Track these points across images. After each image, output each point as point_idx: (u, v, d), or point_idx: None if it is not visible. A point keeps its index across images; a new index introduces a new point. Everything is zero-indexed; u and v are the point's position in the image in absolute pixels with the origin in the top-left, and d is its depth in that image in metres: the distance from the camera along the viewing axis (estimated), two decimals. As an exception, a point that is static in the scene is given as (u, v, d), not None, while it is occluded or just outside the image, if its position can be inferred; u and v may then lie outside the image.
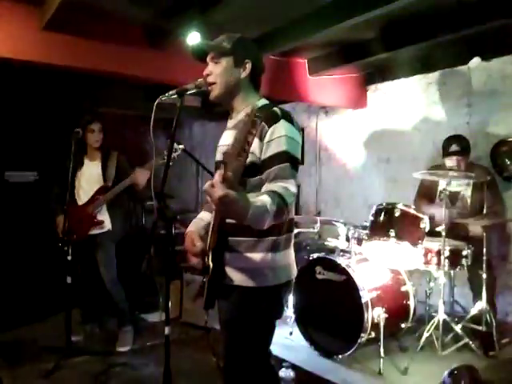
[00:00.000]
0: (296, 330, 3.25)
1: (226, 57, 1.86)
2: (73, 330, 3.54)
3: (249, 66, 1.87)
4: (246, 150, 1.51)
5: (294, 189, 1.70)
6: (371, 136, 4.94)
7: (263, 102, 1.92)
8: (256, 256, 1.79)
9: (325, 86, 4.57)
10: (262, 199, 1.60)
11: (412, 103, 4.55)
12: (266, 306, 1.83)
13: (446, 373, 2.32)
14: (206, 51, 1.91)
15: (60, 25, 3.06)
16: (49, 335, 3.85)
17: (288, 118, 1.79)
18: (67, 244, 3.59)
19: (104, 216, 3.75)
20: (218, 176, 1.56)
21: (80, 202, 3.75)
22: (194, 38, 3.41)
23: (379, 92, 4.84)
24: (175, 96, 1.94)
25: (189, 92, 1.94)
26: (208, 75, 1.90)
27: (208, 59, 1.92)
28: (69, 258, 3.46)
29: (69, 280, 3.43)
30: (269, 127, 1.72)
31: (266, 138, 1.72)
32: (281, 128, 1.73)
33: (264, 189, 1.70)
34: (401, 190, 4.52)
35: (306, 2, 3.21)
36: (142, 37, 3.50)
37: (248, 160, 1.55)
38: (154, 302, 4.75)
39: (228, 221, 1.74)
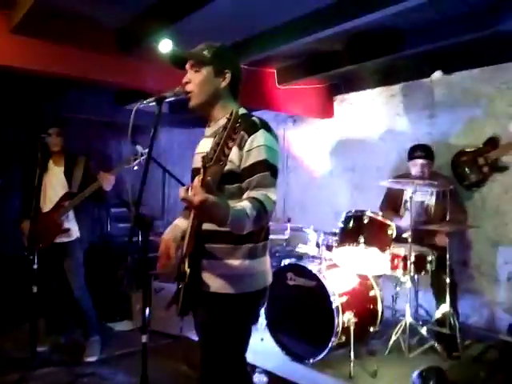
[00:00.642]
0: (267, 336, 3.28)
1: (206, 66, 1.88)
2: (38, 341, 3.46)
3: (228, 75, 1.90)
4: (226, 154, 1.54)
5: (274, 197, 1.74)
6: (337, 145, 5.06)
7: (242, 111, 1.94)
8: (234, 263, 1.81)
9: (293, 96, 4.65)
10: (242, 204, 1.63)
11: (377, 114, 4.70)
12: (244, 313, 1.86)
13: (414, 374, 2.41)
14: (185, 59, 1.93)
15: (29, 28, 3.01)
16: (13, 346, 3.73)
17: (267, 127, 1.83)
18: (33, 252, 3.52)
19: (71, 223, 3.68)
20: (197, 181, 1.58)
21: (45, 209, 3.66)
22: (165, 45, 3.43)
23: (345, 102, 4.98)
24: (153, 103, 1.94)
25: (167, 99, 1.95)
26: (187, 83, 1.91)
27: (187, 67, 1.93)
28: (35, 266, 3.37)
29: (34, 289, 3.34)
30: (248, 136, 1.75)
31: (246, 147, 1.75)
32: (260, 137, 1.77)
33: (245, 196, 1.73)
34: (366, 197, 4.64)
35: (277, 15, 3.28)
36: (113, 42, 3.47)
37: (226, 168, 1.57)
38: (121, 311, 4.68)
39: (205, 227, 1.75)
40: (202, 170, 1.56)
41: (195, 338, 3.35)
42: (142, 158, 3.50)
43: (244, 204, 1.64)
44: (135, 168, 3.55)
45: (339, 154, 5.04)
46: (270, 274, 1.96)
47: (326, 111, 5.02)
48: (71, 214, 3.67)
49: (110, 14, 3.19)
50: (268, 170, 1.77)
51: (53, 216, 3.61)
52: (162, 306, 4.42)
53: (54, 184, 3.69)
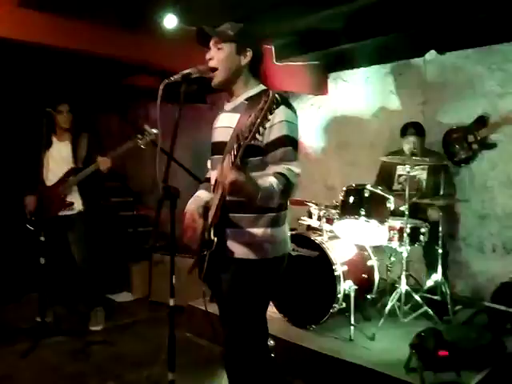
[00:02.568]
0: (270, 304, 3.43)
1: (229, 43, 1.97)
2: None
3: (249, 53, 2.00)
4: (261, 133, 1.66)
5: (297, 170, 1.87)
6: (331, 122, 5.18)
7: (262, 87, 2.05)
8: (257, 231, 1.94)
9: (288, 72, 4.71)
10: (269, 180, 1.77)
11: (370, 91, 4.82)
12: (265, 277, 2.00)
13: (414, 334, 2.61)
14: (209, 36, 2.01)
15: (36, 2, 3.00)
16: (20, 317, 3.82)
17: (287, 103, 1.95)
18: (36, 225, 3.58)
19: (75, 197, 3.74)
20: (227, 160, 1.70)
21: (48, 183, 3.72)
22: (170, 21, 3.47)
23: (340, 80, 5.07)
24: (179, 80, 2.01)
25: (192, 76, 2.02)
26: (210, 59, 2.00)
27: (211, 44, 2.01)
28: (42, 238, 3.45)
29: (42, 261, 3.44)
30: (272, 114, 1.85)
31: (268, 123, 1.86)
32: (281, 113, 1.88)
33: (270, 170, 1.85)
34: (358, 173, 4.78)
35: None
36: (119, 17, 3.47)
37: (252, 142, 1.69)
38: (120, 283, 4.80)
39: (229, 198, 1.87)
40: (235, 147, 1.68)
41: (199, 306, 3.51)
42: (150, 138, 3.56)
43: (271, 179, 1.77)
44: (143, 147, 3.63)
45: (333, 131, 5.16)
46: (289, 242, 2.11)
47: (321, 88, 5.11)
48: (75, 188, 3.73)
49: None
50: (290, 144, 1.90)
51: (57, 190, 3.67)
52: (162, 277, 4.56)
53: (58, 159, 3.74)
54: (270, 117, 1.63)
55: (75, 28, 3.31)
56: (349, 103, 5.00)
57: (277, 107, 1.80)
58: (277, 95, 1.89)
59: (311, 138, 5.32)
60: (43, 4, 3.05)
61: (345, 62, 4.88)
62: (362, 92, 4.87)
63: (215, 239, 1.91)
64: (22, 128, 4.78)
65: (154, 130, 3.51)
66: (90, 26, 3.39)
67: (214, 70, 1.99)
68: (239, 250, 1.94)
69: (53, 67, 4.50)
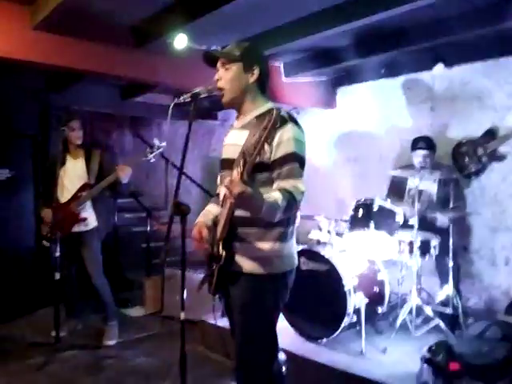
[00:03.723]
0: (281, 318, 3.45)
1: (236, 63, 2.04)
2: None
3: (256, 71, 2.05)
4: (266, 150, 1.72)
5: (303, 187, 1.91)
6: (340, 136, 5.23)
7: (270, 105, 2.10)
8: (265, 245, 1.98)
9: (297, 88, 4.80)
10: (274, 196, 1.81)
11: (379, 105, 4.86)
12: (273, 292, 2.03)
13: (425, 348, 2.60)
14: (216, 57, 2.08)
15: (51, 25, 3.12)
16: (35, 331, 3.89)
17: (294, 121, 2.00)
18: (51, 241, 3.66)
19: (89, 213, 3.81)
20: (236, 173, 1.76)
21: (63, 200, 3.80)
22: (181, 41, 3.56)
23: (348, 94, 5.14)
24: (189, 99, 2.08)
25: (201, 96, 2.09)
26: (218, 80, 2.07)
27: (218, 65, 2.08)
28: (57, 254, 3.52)
29: (57, 276, 3.49)
30: (276, 131, 1.90)
31: (276, 141, 1.90)
32: (289, 131, 1.93)
33: (276, 186, 1.90)
34: (368, 187, 4.80)
35: (288, 13, 3.42)
36: (130, 38, 3.58)
37: (257, 159, 1.74)
38: (131, 298, 4.86)
39: (238, 213, 1.91)
40: (241, 163, 1.73)
41: (211, 321, 3.55)
42: (159, 150, 3.65)
43: (276, 195, 1.81)
44: (152, 161, 3.71)
45: (342, 145, 5.20)
46: (296, 256, 2.14)
47: (330, 102, 5.18)
48: (88, 203, 3.80)
49: (128, 11, 3.30)
50: (297, 161, 1.94)
51: (70, 206, 3.74)
52: (174, 292, 4.60)
53: (72, 176, 3.81)
54: (274, 133, 1.68)
55: (88, 49, 3.42)
56: (358, 117, 5.05)
57: (281, 125, 1.85)
58: (283, 113, 1.96)
59: (321, 152, 5.37)
60: (57, 27, 3.16)
61: (353, 77, 4.95)
62: (371, 106, 4.92)
63: (224, 253, 1.95)
64: (30, 147, 4.91)
65: (163, 143, 3.59)
66: (103, 47, 3.50)
67: (222, 89, 2.05)
68: (248, 265, 1.97)
69: (65, 85, 4.63)
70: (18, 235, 4.78)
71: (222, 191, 2.07)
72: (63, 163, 3.81)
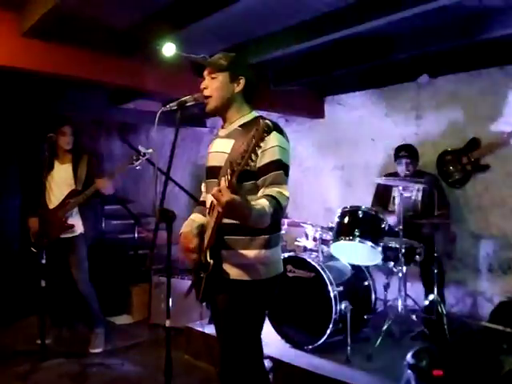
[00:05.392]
0: (268, 325, 3.46)
1: (223, 72, 2.07)
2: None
3: (242, 81, 2.09)
4: (254, 159, 1.74)
5: (287, 193, 1.94)
6: (328, 144, 5.27)
7: (254, 114, 2.14)
8: (251, 253, 2.00)
9: (285, 97, 4.84)
10: (261, 203, 1.84)
11: (365, 114, 4.92)
12: (259, 297, 2.05)
13: (409, 354, 2.63)
14: (203, 66, 2.11)
15: (40, 32, 3.12)
16: (20, 339, 3.85)
17: (278, 129, 2.04)
18: (39, 248, 3.64)
19: (75, 220, 3.80)
20: (223, 182, 1.78)
21: (51, 206, 3.79)
22: (168, 49, 3.58)
23: (335, 103, 5.19)
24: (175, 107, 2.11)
25: (187, 104, 2.12)
26: (205, 88, 2.10)
27: (205, 74, 2.11)
28: (43, 261, 3.50)
29: (43, 283, 3.47)
30: (263, 141, 1.92)
31: (261, 149, 1.93)
32: (273, 139, 1.96)
33: (261, 193, 1.93)
34: (355, 194, 4.87)
35: (275, 22, 3.46)
36: (119, 45, 3.59)
37: (244, 168, 1.76)
38: (119, 306, 4.83)
39: (224, 221, 1.93)
40: (229, 172, 1.75)
41: (198, 328, 3.55)
42: (145, 158, 3.66)
43: (262, 202, 1.84)
44: (138, 168, 3.72)
45: (330, 153, 5.25)
46: (281, 263, 2.16)
47: (317, 111, 5.23)
48: (75, 210, 3.79)
49: (116, 19, 3.32)
50: (281, 168, 1.97)
51: (58, 213, 3.73)
52: (161, 299, 4.58)
53: (59, 182, 3.81)
54: (261, 144, 1.71)
55: (77, 56, 3.42)
56: (345, 126, 5.10)
57: (268, 134, 1.87)
58: (268, 122, 1.98)
59: (309, 159, 5.41)
60: (46, 33, 3.16)
61: (340, 87, 5.01)
62: (358, 115, 4.98)
63: (211, 262, 1.97)
64: (18, 154, 4.89)
65: (149, 150, 3.60)
66: (91, 54, 3.50)
67: (208, 98, 2.08)
68: (234, 272, 2.00)
69: (54, 92, 4.63)
70: (2, 242, 4.74)
71: (209, 199, 2.09)
72: (50, 168, 3.81)
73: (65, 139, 3.77)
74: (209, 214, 2.09)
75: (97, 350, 3.75)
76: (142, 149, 3.65)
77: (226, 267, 2.00)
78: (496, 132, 3.97)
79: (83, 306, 3.82)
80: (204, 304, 2.15)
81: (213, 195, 1.72)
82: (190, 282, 2.24)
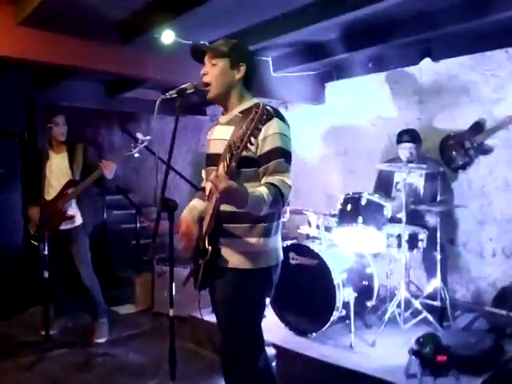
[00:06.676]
0: (271, 313, 3.46)
1: (223, 59, 2.03)
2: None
3: (243, 68, 2.06)
4: (253, 143, 1.71)
5: (289, 181, 1.92)
6: (329, 130, 5.24)
7: (255, 101, 2.10)
8: (250, 241, 1.98)
9: (286, 83, 4.79)
10: (259, 190, 1.81)
11: (367, 100, 4.87)
12: (259, 286, 2.04)
13: (413, 340, 2.63)
14: (203, 52, 2.07)
15: (37, 21, 3.08)
16: (24, 329, 3.87)
17: (279, 116, 2.00)
18: (39, 240, 3.64)
19: (74, 210, 3.78)
20: (221, 168, 1.76)
21: (49, 197, 3.76)
22: (167, 36, 3.54)
23: (337, 89, 5.14)
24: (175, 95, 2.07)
25: (188, 92, 2.08)
26: (205, 74, 2.06)
27: (205, 59, 2.08)
28: (45, 252, 3.49)
29: (46, 274, 3.47)
30: (263, 125, 1.90)
31: (261, 135, 1.90)
32: (275, 126, 1.94)
33: (263, 181, 1.90)
34: (357, 181, 4.83)
35: (275, 7, 3.41)
36: (116, 33, 3.55)
37: (243, 153, 1.74)
38: (121, 296, 4.85)
39: (224, 208, 1.91)
40: (228, 157, 1.73)
41: (198, 316, 3.54)
42: (143, 145, 3.63)
43: (262, 189, 1.81)
44: (136, 155, 3.69)
45: (331, 139, 5.21)
46: (281, 251, 2.14)
47: (318, 97, 5.19)
48: (74, 200, 3.77)
49: (114, 6, 3.27)
50: (283, 156, 1.94)
51: (56, 204, 3.71)
52: (164, 289, 4.60)
53: (56, 172, 3.78)
54: (261, 127, 1.68)
55: (74, 45, 3.39)
56: (346, 112, 5.06)
57: (268, 118, 1.84)
58: (269, 107, 1.96)
59: (311, 146, 5.37)
60: (42, 22, 3.13)
61: (341, 72, 4.96)
62: (359, 100, 4.93)
63: (210, 248, 1.95)
64: (18, 144, 4.86)
65: (147, 137, 3.57)
66: (89, 43, 3.47)
67: (208, 85, 2.04)
68: (233, 260, 1.98)
69: (52, 81, 4.58)
70: (6, 233, 4.74)
71: (208, 186, 2.07)
72: (46, 159, 3.77)
73: (57, 129, 3.73)
74: (208, 200, 2.07)
75: (101, 340, 3.76)
76: (139, 135, 3.62)
77: (225, 255, 1.97)
78: (499, 115, 3.92)
79: (87, 297, 3.83)
80: (204, 292, 2.13)
81: (210, 181, 1.70)
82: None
